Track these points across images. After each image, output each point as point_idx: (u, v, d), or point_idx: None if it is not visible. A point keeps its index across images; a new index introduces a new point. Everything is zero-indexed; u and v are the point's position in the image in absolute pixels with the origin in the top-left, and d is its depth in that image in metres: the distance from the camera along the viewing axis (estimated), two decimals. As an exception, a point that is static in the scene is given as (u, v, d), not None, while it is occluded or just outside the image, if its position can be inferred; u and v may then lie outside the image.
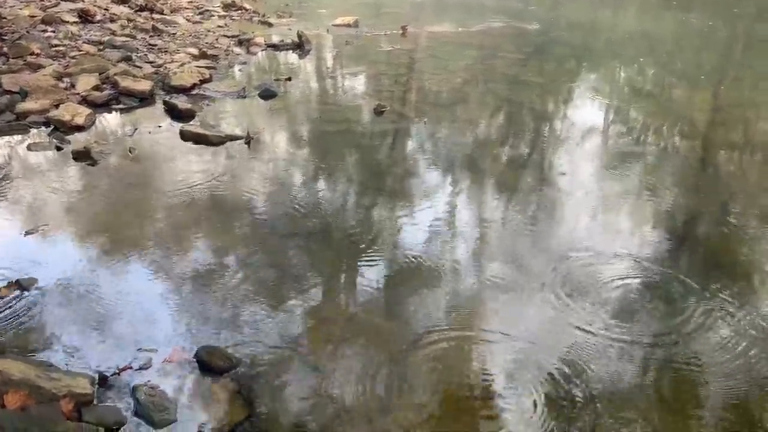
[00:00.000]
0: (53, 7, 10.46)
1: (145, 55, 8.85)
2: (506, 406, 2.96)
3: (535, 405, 2.96)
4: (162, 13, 11.52)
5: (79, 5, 10.53)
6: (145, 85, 7.32)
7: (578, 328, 3.50)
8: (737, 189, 5.73)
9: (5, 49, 7.85)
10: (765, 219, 5.02)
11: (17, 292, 3.59)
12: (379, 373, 3.13)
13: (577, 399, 3.00)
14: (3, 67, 7.36)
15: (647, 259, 4.27)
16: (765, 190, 5.77)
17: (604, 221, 4.91)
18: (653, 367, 3.26)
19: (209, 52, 9.45)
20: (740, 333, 3.52)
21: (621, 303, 3.77)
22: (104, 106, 6.90)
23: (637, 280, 4.01)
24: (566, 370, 3.18)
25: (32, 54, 7.92)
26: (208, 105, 7.31)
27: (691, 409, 3.02)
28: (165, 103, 7.12)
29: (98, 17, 10.34)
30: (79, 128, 6.22)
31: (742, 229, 4.84)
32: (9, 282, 3.67)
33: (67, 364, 3.05)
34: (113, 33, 9.72)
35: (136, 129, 6.37)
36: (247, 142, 6.16)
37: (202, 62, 8.76)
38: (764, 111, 8.37)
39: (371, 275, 3.98)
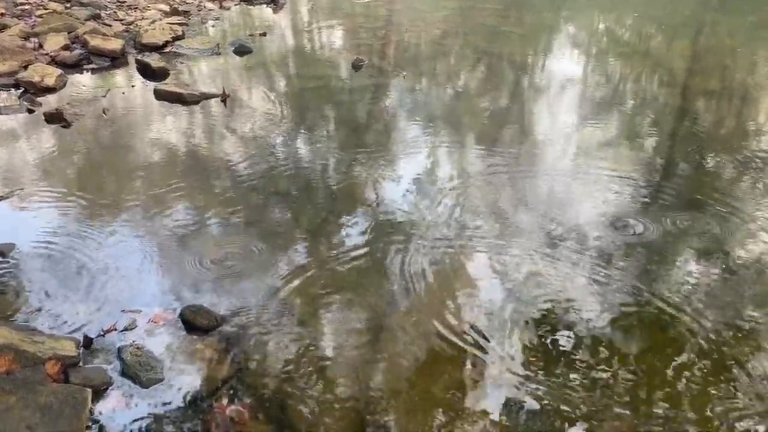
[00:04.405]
0: (15, -37, 10.06)
1: (115, 12, 8.60)
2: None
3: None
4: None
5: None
6: (115, 44, 7.14)
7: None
8: (711, 130, 5.80)
9: (-33, 9, 7.58)
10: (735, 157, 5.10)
11: (-4, 258, 3.55)
12: (363, 325, 3.17)
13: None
14: (-34, 27, 7.11)
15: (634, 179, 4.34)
16: (736, 132, 5.84)
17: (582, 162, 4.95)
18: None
19: (181, 8, 9.22)
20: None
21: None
22: (75, 66, 6.73)
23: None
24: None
25: (-4, 13, 7.66)
26: (181, 63, 7.16)
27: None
28: (137, 62, 6.96)
29: (63, -27, 9.97)
30: (50, 90, 6.07)
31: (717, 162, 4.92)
32: (-14, 248, 3.63)
33: (50, 328, 3.05)
34: (80, -11, 9.39)
35: (108, 89, 6.24)
36: (223, 100, 6.06)
37: (174, 19, 8.55)
38: (740, 58, 8.39)
39: (353, 230, 3.99)
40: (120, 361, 2.86)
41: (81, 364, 2.84)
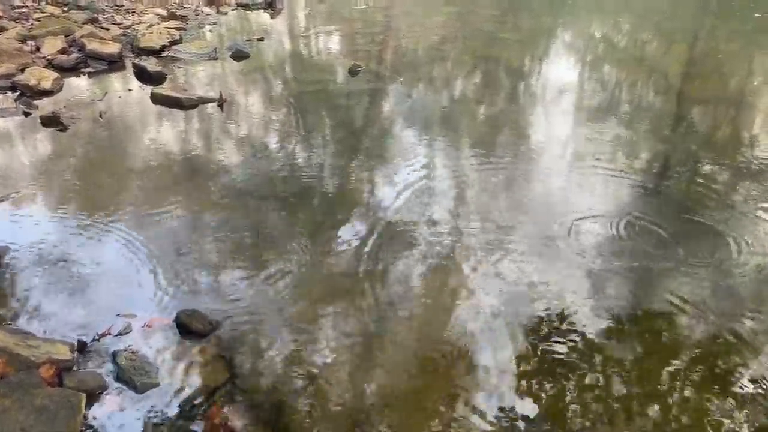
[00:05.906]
0: (13, -34, 10.07)
1: (112, 16, 8.61)
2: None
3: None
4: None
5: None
6: (113, 48, 7.14)
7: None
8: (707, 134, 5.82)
9: (-35, 12, 7.58)
10: (732, 165, 5.11)
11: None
12: (358, 330, 3.17)
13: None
14: (-37, 30, 7.12)
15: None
16: (732, 137, 5.86)
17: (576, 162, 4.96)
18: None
19: (178, 12, 9.23)
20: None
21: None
22: (72, 69, 6.74)
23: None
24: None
25: (-7, 16, 7.66)
26: (178, 67, 7.16)
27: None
28: (134, 65, 6.96)
29: (61, -23, 9.99)
30: (47, 93, 6.07)
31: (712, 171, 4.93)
32: (-19, 251, 3.62)
33: (45, 332, 3.04)
34: (77, -7, 9.40)
35: (105, 93, 6.23)
36: (220, 105, 6.07)
37: (171, 23, 8.56)
38: (737, 63, 8.43)
39: (349, 235, 3.99)
40: (115, 365, 2.86)
41: (76, 368, 2.83)
